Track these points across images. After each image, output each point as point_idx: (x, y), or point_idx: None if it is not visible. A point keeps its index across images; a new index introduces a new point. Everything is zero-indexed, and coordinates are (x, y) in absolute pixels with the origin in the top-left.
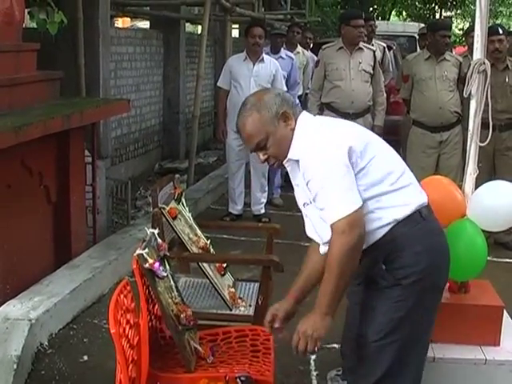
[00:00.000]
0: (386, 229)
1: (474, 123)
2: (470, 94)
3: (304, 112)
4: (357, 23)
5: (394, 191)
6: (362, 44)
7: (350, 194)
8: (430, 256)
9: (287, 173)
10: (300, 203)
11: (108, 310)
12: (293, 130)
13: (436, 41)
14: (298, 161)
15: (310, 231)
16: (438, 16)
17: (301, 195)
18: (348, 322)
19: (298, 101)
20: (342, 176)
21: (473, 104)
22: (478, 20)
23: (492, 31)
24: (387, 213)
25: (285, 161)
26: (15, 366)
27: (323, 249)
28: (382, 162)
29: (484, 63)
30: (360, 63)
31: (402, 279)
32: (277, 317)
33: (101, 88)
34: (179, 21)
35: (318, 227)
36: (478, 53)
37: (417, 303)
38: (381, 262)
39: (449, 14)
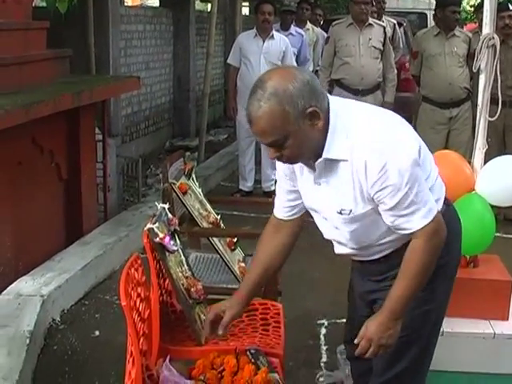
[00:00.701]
0: None
1: (483, 98)
2: (479, 68)
3: (332, 100)
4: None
5: (434, 185)
6: (371, 20)
7: (431, 195)
8: (455, 243)
9: None
10: (326, 208)
11: (119, 284)
12: (321, 130)
13: (446, 16)
14: (344, 160)
15: (329, 234)
16: None
17: (333, 199)
18: (355, 307)
19: None
20: (421, 178)
21: (482, 79)
22: None
23: (502, 7)
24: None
25: (317, 161)
26: (28, 341)
27: (341, 249)
28: (426, 150)
29: (493, 38)
30: (370, 39)
31: (436, 269)
32: (221, 320)
33: (111, 66)
34: None
35: (363, 232)
36: (487, 28)
37: (444, 292)
38: None
39: None
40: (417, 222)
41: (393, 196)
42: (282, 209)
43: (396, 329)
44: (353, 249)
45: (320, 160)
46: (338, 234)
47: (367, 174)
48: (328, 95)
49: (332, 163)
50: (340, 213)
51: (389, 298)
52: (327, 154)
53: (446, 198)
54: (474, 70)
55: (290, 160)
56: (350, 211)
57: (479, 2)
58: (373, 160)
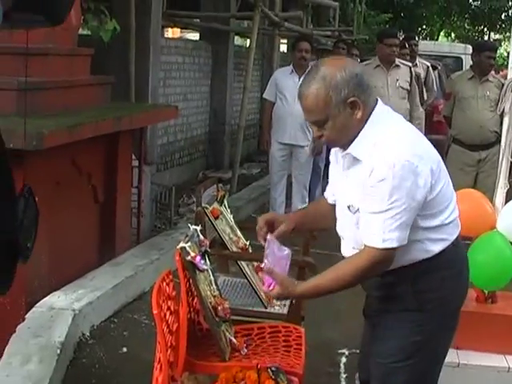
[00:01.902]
0: (426, 258)
1: (506, 139)
2: (503, 111)
3: (380, 104)
4: (389, 42)
5: (447, 225)
6: (398, 61)
7: (405, 230)
8: (455, 282)
9: (327, 184)
10: (341, 198)
11: (150, 304)
12: (360, 120)
13: (481, 61)
14: (363, 162)
15: (339, 226)
16: (486, 38)
17: (348, 193)
18: (365, 337)
19: None
20: (409, 211)
21: (505, 121)
22: None
23: None
24: (433, 245)
25: (343, 152)
26: (58, 351)
27: (344, 248)
28: (446, 192)
29: None
30: (397, 80)
31: (424, 303)
32: (271, 227)
33: (150, 95)
34: (228, 33)
35: (352, 232)
36: None
37: (436, 328)
38: (408, 283)
39: (498, 36)
40: (372, 239)
41: (372, 202)
42: (329, 192)
43: (292, 296)
44: (353, 249)
45: (346, 152)
46: (346, 229)
47: (369, 178)
48: (379, 99)
49: (354, 160)
50: (348, 208)
51: (309, 281)
52: (352, 149)
53: (457, 240)
54: (498, 112)
55: (329, 141)
56: (357, 210)
57: None
58: (379, 169)
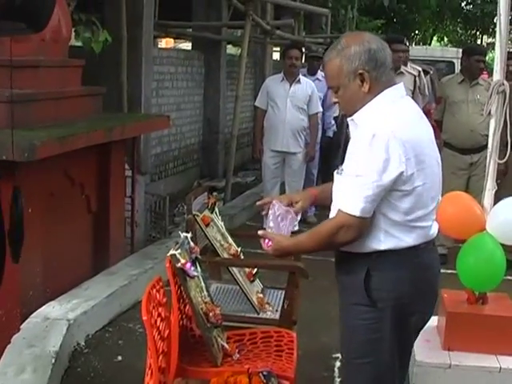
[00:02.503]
0: (381, 249)
1: (492, 141)
2: (489, 113)
3: (396, 87)
4: (397, 47)
5: (409, 228)
6: (403, 68)
7: (369, 204)
8: (411, 287)
9: None
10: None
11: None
12: (366, 94)
13: (470, 65)
14: (358, 126)
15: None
16: (479, 42)
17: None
18: None
19: (333, 122)
20: (375, 187)
21: (492, 123)
22: (497, 44)
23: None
24: (391, 240)
25: (349, 118)
26: (53, 361)
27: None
28: (420, 196)
29: (503, 84)
30: None
31: (377, 301)
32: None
33: (142, 106)
34: (220, 42)
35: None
36: (498, 74)
37: (393, 328)
38: (362, 276)
39: (490, 40)
40: (344, 203)
41: (350, 167)
42: None
43: (285, 252)
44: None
45: (350, 118)
46: (334, 194)
47: (355, 140)
48: (397, 84)
49: (354, 124)
50: (338, 172)
51: (295, 237)
52: (355, 116)
53: (421, 249)
54: (485, 115)
55: (343, 108)
56: (342, 172)
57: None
58: (363, 134)
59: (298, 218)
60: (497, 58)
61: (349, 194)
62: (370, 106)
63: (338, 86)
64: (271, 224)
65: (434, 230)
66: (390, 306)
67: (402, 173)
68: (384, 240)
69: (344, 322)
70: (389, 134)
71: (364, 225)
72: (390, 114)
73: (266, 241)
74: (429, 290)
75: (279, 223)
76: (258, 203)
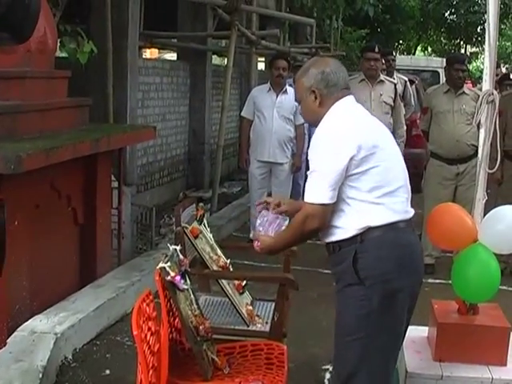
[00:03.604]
0: (359, 231)
1: (482, 151)
2: (479, 123)
3: (348, 99)
4: (367, 56)
5: (377, 204)
6: (383, 77)
7: (327, 191)
8: (393, 264)
9: None
10: None
11: (131, 324)
12: (319, 107)
13: (451, 74)
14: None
15: None
16: (462, 51)
17: None
18: None
19: None
20: (331, 173)
21: (481, 133)
22: (486, 53)
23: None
24: (363, 218)
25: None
26: (41, 376)
27: None
28: (379, 175)
29: (492, 94)
30: (381, 95)
31: (365, 279)
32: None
33: (128, 116)
34: (206, 53)
35: None
36: (487, 84)
37: (380, 304)
38: (350, 259)
39: (474, 49)
40: (308, 194)
41: (310, 165)
42: None
43: (269, 250)
44: None
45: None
46: None
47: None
48: (345, 99)
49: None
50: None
51: (276, 235)
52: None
53: (405, 225)
54: (474, 125)
55: (305, 118)
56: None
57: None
58: (315, 136)
59: (286, 222)
60: (486, 67)
61: (309, 186)
62: (327, 115)
63: (300, 100)
64: (260, 228)
65: (410, 210)
66: (377, 283)
67: (353, 157)
68: (360, 220)
69: (338, 305)
70: (337, 127)
71: (326, 211)
72: (339, 114)
73: (256, 242)
74: (411, 266)
75: (268, 227)
76: (257, 206)
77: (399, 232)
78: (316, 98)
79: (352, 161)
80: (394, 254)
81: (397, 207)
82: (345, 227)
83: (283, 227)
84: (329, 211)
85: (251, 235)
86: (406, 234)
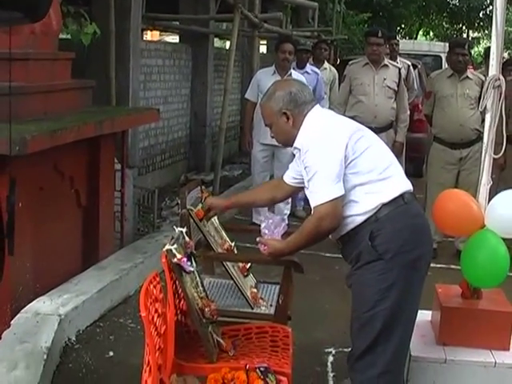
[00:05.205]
0: (373, 211)
1: (488, 136)
2: (485, 108)
3: (316, 107)
4: (370, 40)
5: (382, 180)
6: (387, 61)
7: (335, 183)
8: (409, 234)
9: None
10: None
11: (135, 307)
12: (292, 126)
13: (452, 58)
14: (300, 149)
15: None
16: (464, 36)
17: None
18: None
19: None
20: (332, 167)
21: (487, 118)
22: (493, 38)
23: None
24: (374, 198)
25: (292, 148)
26: (45, 357)
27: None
28: (373, 154)
29: (499, 79)
30: (384, 79)
31: (384, 253)
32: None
33: (130, 99)
34: (208, 35)
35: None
36: (494, 69)
37: (400, 275)
38: (367, 239)
39: (476, 34)
40: (315, 198)
41: (307, 173)
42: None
43: (281, 254)
44: None
45: (294, 147)
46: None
47: (302, 156)
48: (313, 110)
49: (296, 150)
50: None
51: (287, 239)
52: (295, 143)
53: (410, 197)
54: (481, 109)
55: (278, 141)
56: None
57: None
58: (306, 146)
59: (286, 222)
60: (492, 52)
61: (314, 190)
62: (304, 126)
63: (271, 124)
64: (266, 231)
65: (408, 182)
66: (396, 255)
67: (348, 144)
68: (372, 200)
69: (357, 284)
70: (322, 126)
71: (337, 206)
72: (317, 118)
73: (263, 246)
74: (425, 234)
75: (273, 230)
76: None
77: (408, 203)
78: (288, 118)
79: (348, 148)
80: (408, 224)
81: (399, 179)
82: (359, 213)
83: (282, 230)
84: (340, 205)
85: (253, 219)
86: (414, 205)
